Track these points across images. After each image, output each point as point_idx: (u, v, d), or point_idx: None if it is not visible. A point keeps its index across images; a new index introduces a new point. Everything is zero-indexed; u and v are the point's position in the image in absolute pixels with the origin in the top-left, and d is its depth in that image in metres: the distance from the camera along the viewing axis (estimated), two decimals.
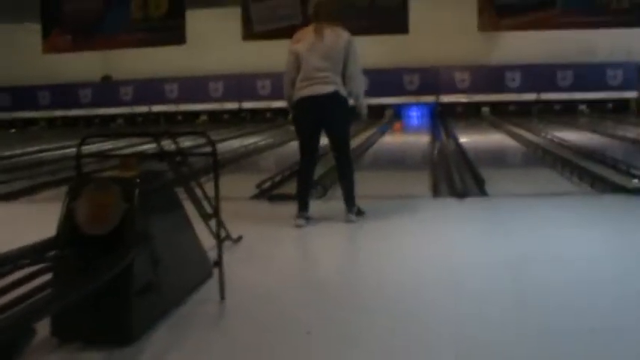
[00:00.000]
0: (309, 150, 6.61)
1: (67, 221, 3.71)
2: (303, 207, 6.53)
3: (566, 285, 4.46)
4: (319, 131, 6.55)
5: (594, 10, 15.53)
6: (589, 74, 24.32)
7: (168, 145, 5.52)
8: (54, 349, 3.52)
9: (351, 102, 6.53)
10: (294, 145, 12.86)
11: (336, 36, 6.41)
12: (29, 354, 2.91)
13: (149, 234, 3.78)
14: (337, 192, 8.64)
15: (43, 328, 3.32)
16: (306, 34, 6.50)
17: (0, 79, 27.30)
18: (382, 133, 18.39)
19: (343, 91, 6.40)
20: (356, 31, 14.39)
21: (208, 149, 4.35)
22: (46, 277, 3.46)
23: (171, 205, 4.33)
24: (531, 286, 4.43)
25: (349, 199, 6.58)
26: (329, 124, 6.49)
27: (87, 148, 4.35)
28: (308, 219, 6.53)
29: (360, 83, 6.55)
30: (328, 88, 6.31)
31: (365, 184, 9.64)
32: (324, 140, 6.61)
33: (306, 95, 6.37)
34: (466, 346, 3.47)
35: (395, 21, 14.01)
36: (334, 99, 6.35)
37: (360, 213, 6.62)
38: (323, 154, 7.02)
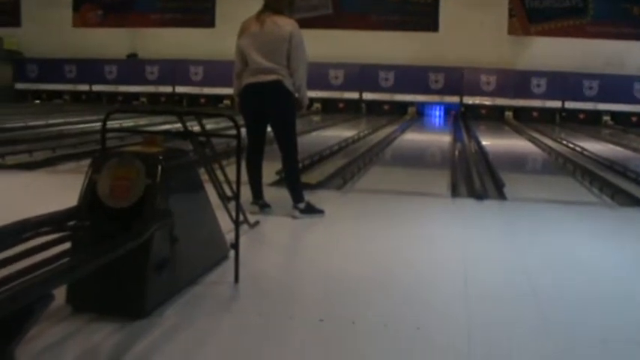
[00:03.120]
0: (252, 138, 6.51)
1: (89, 193, 3.74)
2: (255, 195, 6.53)
3: (580, 293, 4.45)
4: (263, 120, 6.44)
5: (625, 21, 15.42)
6: (616, 86, 24.14)
7: (191, 126, 5.54)
8: (67, 317, 3.56)
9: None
10: (315, 135, 12.87)
11: (277, 27, 6.24)
12: (43, 319, 2.94)
13: (169, 211, 3.80)
14: (357, 184, 8.69)
15: (58, 295, 3.35)
16: (250, 25, 6.45)
17: (29, 50, 27.51)
18: (403, 130, 18.38)
19: (288, 83, 6.28)
20: (386, 27, 14.36)
21: (232, 132, 4.36)
22: (66, 245, 3.50)
23: (193, 185, 4.35)
24: (545, 292, 4.41)
25: (293, 194, 6.46)
26: (270, 114, 6.39)
27: (110, 124, 4.37)
28: (263, 206, 6.52)
29: (302, 74, 6.32)
30: (270, 77, 6.24)
31: (384, 180, 9.66)
32: None
33: (248, 82, 6.34)
34: (476, 346, 3.47)
35: (426, 19, 13.96)
36: (275, 88, 6.24)
37: (312, 210, 6.45)
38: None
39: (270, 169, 8.58)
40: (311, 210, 6.44)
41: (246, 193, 4.49)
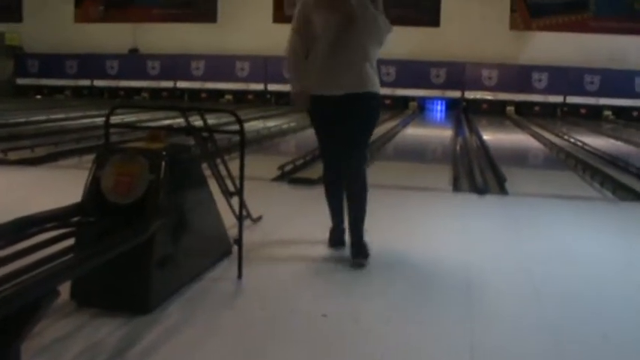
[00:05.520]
0: None
1: (93, 189, 3.76)
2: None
3: (582, 289, 4.46)
4: None
5: (627, 16, 15.42)
6: (617, 80, 24.11)
7: (193, 121, 5.54)
8: (72, 312, 3.58)
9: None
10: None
11: None
12: (49, 315, 2.96)
13: (172, 207, 3.81)
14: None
15: (62, 291, 3.37)
16: None
17: (30, 46, 27.49)
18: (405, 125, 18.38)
19: None
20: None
21: (235, 127, 4.37)
22: (70, 241, 3.52)
23: (196, 181, 4.36)
24: (546, 287, 4.43)
25: None
26: None
27: (112, 119, 4.38)
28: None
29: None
30: None
31: (386, 174, 9.65)
32: None
33: None
34: (479, 340, 3.48)
35: (427, 13, 13.95)
36: None
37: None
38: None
39: (273, 164, 8.61)
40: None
41: (247, 188, 4.49)
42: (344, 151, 4.86)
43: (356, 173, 4.93)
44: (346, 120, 4.79)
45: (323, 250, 5.24)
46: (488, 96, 25.14)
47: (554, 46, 23.04)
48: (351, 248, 4.94)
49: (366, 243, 4.92)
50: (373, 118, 4.96)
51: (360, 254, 4.84)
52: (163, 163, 3.79)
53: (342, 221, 5.24)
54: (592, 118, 23.49)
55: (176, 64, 26.71)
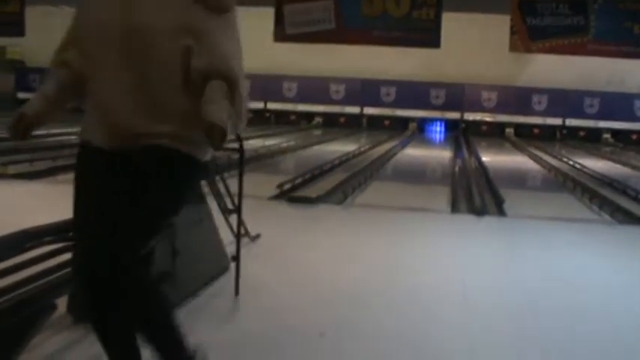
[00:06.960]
0: None
1: None
2: None
3: (579, 310, 4.45)
4: None
5: (627, 39, 15.44)
6: (616, 103, 24.20)
7: None
8: (68, 327, 3.55)
9: None
10: (316, 149, 12.87)
11: None
12: (45, 328, 2.95)
13: (171, 223, 3.81)
14: (358, 199, 8.69)
15: (59, 305, 3.36)
16: None
17: (32, 60, 27.54)
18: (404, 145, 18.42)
19: None
20: (388, 42, 14.32)
21: (235, 145, 4.38)
22: (67, 255, 3.51)
23: (195, 198, 4.36)
24: (543, 308, 4.42)
25: None
26: None
27: None
28: None
29: None
30: None
31: (384, 195, 9.68)
32: None
33: None
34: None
35: (428, 35, 13.94)
36: None
37: None
38: None
39: (272, 182, 8.61)
40: None
41: (246, 206, 4.50)
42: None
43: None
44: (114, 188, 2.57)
45: (320, 270, 5.24)
46: (487, 118, 25.21)
47: (554, 69, 23.11)
48: None
49: None
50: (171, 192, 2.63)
51: None
52: None
53: None
54: (591, 140, 23.55)
55: None
